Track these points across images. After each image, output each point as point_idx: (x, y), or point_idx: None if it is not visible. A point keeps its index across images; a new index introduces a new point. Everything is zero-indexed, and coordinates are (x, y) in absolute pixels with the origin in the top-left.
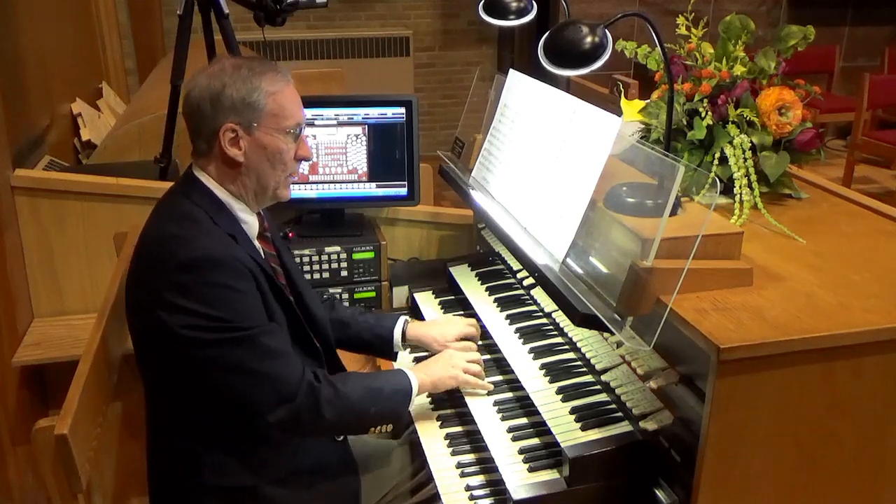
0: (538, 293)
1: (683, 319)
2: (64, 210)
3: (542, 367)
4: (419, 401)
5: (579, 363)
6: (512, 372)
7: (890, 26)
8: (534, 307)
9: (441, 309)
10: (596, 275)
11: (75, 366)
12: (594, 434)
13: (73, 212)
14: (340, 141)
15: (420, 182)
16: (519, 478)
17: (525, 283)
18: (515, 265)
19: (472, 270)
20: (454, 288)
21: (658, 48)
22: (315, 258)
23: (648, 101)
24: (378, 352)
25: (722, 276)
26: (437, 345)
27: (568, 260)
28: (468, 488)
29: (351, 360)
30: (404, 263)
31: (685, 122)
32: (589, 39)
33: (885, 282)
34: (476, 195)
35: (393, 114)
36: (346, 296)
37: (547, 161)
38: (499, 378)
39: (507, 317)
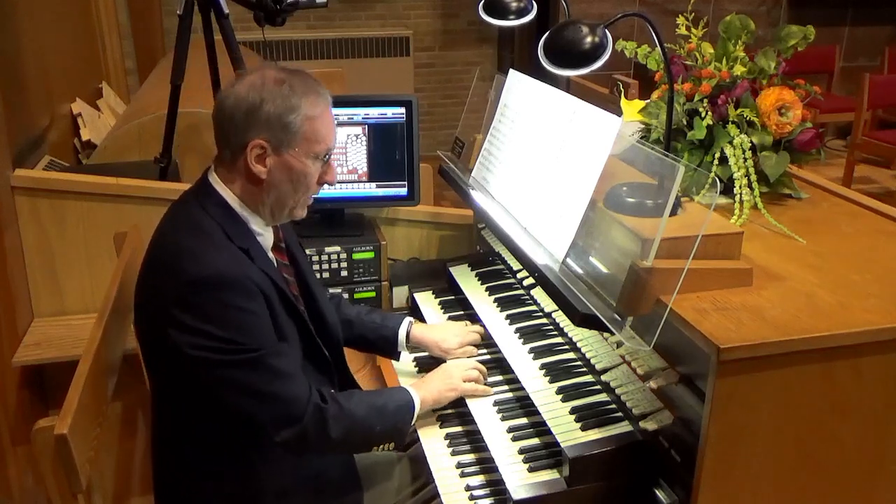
0: (538, 293)
1: (683, 319)
2: (64, 210)
3: (542, 367)
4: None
5: (579, 363)
6: (512, 372)
7: (890, 26)
8: (534, 307)
9: (441, 309)
10: (596, 275)
11: (75, 366)
12: (594, 434)
13: (73, 212)
14: (340, 141)
15: (420, 182)
16: (519, 478)
17: (525, 283)
18: (515, 265)
19: (472, 270)
20: (454, 288)
21: (658, 48)
22: (315, 258)
23: (648, 101)
24: (381, 352)
25: (722, 276)
26: (438, 350)
27: (568, 260)
28: (468, 488)
29: (351, 357)
30: (404, 263)
31: (685, 122)
32: (589, 39)
33: (885, 282)
34: (476, 195)
35: (393, 114)
36: (346, 296)
37: (547, 161)
38: (499, 378)
39: (507, 317)
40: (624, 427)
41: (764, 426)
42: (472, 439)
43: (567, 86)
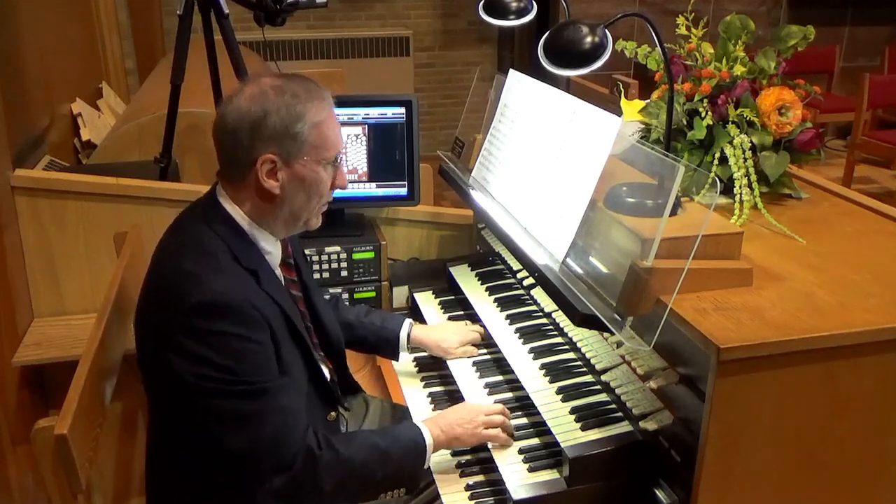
0: (538, 293)
1: (683, 319)
2: (64, 210)
3: (542, 367)
4: (420, 406)
5: (579, 363)
6: (512, 372)
7: (890, 26)
8: (534, 307)
9: (441, 309)
10: (596, 275)
11: (75, 366)
12: (594, 434)
13: (73, 212)
14: None
15: (420, 182)
16: (519, 478)
17: (525, 283)
18: (515, 265)
19: (472, 270)
20: (454, 288)
21: (658, 48)
22: (315, 258)
23: (648, 101)
24: (381, 353)
25: (722, 276)
26: (439, 350)
27: (568, 260)
28: (468, 488)
29: (351, 357)
30: (404, 263)
31: (685, 122)
32: (589, 39)
33: (885, 282)
34: (476, 195)
35: (393, 114)
36: (346, 296)
37: (547, 161)
38: (499, 378)
39: (507, 317)
40: (624, 427)
41: (764, 426)
42: None
43: (567, 86)
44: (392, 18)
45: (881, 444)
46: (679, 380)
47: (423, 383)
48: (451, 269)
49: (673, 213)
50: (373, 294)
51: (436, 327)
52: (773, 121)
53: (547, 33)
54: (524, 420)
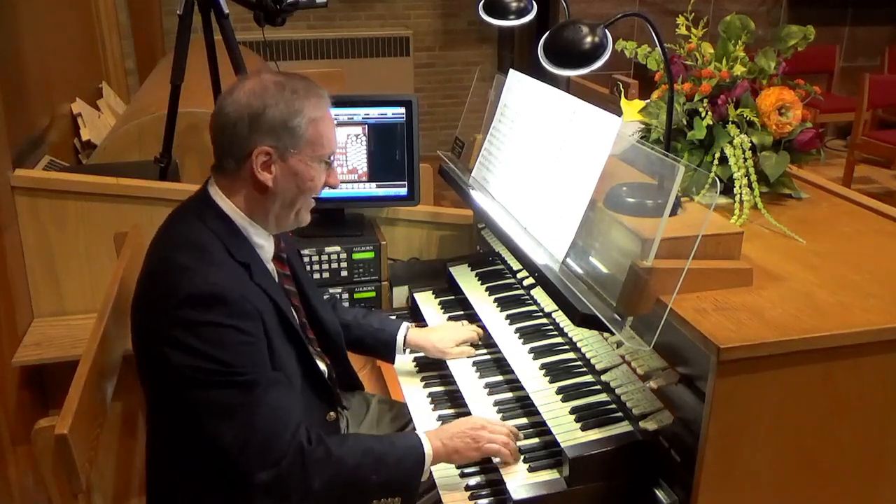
0: (538, 293)
1: (683, 319)
2: (64, 210)
3: (542, 367)
4: (420, 406)
5: (579, 363)
6: (512, 372)
7: (890, 26)
8: (534, 307)
9: (441, 309)
10: (596, 275)
11: (75, 366)
12: (594, 434)
13: (73, 212)
14: (340, 141)
15: (420, 182)
16: (519, 478)
17: (525, 283)
18: (515, 265)
19: (472, 270)
20: (454, 288)
21: (658, 48)
22: (315, 258)
23: (648, 101)
24: (378, 356)
25: (722, 276)
26: (436, 350)
27: (568, 260)
28: (468, 488)
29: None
30: (404, 263)
31: (685, 122)
32: (589, 39)
33: (885, 282)
34: (476, 195)
35: (393, 114)
36: (346, 296)
37: (547, 161)
38: (499, 378)
39: (507, 317)
40: (624, 427)
41: (764, 426)
42: None
43: (567, 86)
44: (392, 18)
45: (881, 444)
46: (679, 380)
47: (423, 383)
48: (451, 269)
49: (673, 213)
50: (373, 294)
51: (432, 329)
52: (773, 121)
53: (547, 33)
54: (524, 420)
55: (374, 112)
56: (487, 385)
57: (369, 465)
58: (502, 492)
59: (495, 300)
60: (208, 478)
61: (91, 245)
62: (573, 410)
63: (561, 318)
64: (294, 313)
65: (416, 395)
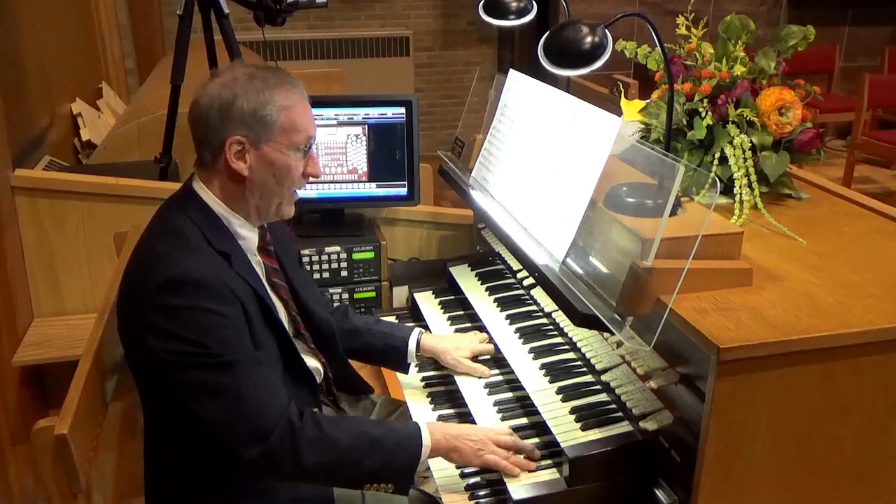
0: (538, 293)
1: (683, 319)
2: (64, 210)
3: (542, 367)
4: (420, 410)
5: (579, 363)
6: (512, 372)
7: (890, 26)
8: (534, 307)
9: (441, 309)
10: (596, 275)
11: (75, 366)
12: (594, 434)
13: (73, 212)
14: (340, 141)
15: (420, 182)
16: (519, 478)
17: (525, 283)
18: (515, 265)
19: (472, 270)
20: (454, 288)
21: (658, 48)
22: (315, 258)
23: (648, 101)
24: (390, 363)
25: (722, 276)
26: (449, 357)
27: (568, 260)
28: (468, 488)
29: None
30: (404, 263)
31: (685, 122)
32: (589, 39)
33: (884, 282)
34: (476, 195)
35: (393, 114)
36: (346, 296)
37: (547, 161)
38: (499, 378)
39: (508, 317)
40: (624, 427)
41: (764, 426)
42: None
43: (567, 86)
44: (392, 18)
45: (881, 444)
46: (679, 380)
47: (423, 383)
48: (451, 269)
49: (673, 213)
50: (373, 294)
51: (448, 336)
52: (773, 121)
53: (547, 33)
54: (524, 420)
55: (374, 112)
56: (487, 385)
57: (364, 447)
58: (502, 492)
59: (495, 300)
60: (202, 462)
61: (91, 245)
62: (573, 410)
63: (561, 318)
64: (281, 307)
65: (415, 395)
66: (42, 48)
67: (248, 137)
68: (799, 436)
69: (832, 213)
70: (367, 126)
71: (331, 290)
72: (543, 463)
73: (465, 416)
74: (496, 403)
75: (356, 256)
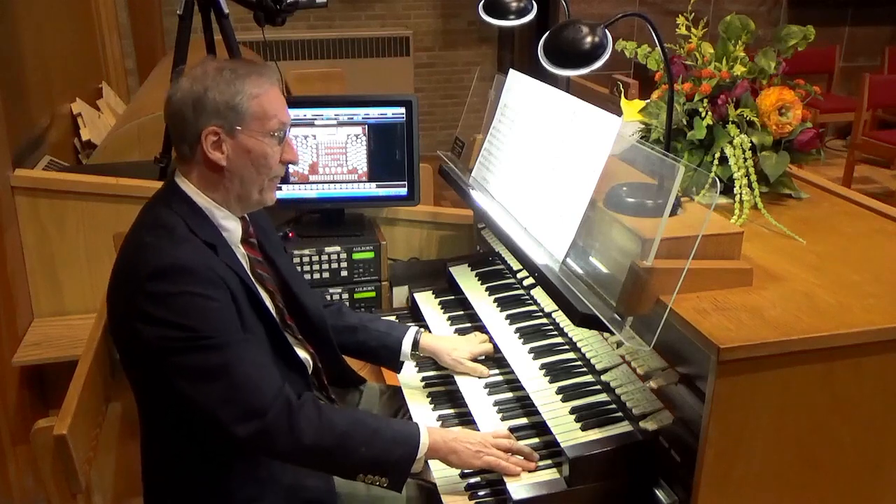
0: (538, 293)
1: (683, 319)
2: (64, 210)
3: (542, 367)
4: (420, 410)
5: (579, 363)
6: (512, 372)
7: (890, 26)
8: (534, 307)
9: (441, 309)
10: (596, 275)
11: (75, 366)
12: (594, 434)
13: (73, 212)
14: (340, 141)
15: (420, 182)
16: (519, 478)
17: (525, 283)
18: (515, 265)
19: (472, 270)
20: (454, 288)
21: (658, 48)
22: (315, 258)
23: (648, 101)
24: (383, 361)
25: (722, 276)
26: (449, 358)
27: (568, 260)
28: (468, 488)
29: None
30: (404, 263)
31: (685, 122)
32: (589, 39)
33: (885, 282)
34: (476, 195)
35: (393, 114)
36: (346, 296)
37: (547, 161)
38: (499, 378)
39: (507, 317)
40: (624, 427)
41: (764, 426)
42: None
43: (567, 86)
44: (392, 18)
45: (881, 444)
46: (679, 380)
47: (423, 383)
48: (451, 269)
49: (673, 213)
50: (373, 294)
51: (448, 336)
52: (773, 121)
53: (547, 33)
54: (524, 420)
55: (374, 112)
56: (487, 385)
57: (360, 435)
58: (502, 492)
59: (495, 300)
60: (199, 456)
61: (91, 245)
62: (573, 410)
63: (561, 318)
64: (267, 297)
65: (415, 395)
66: (42, 48)
67: (223, 127)
68: (799, 436)
69: (832, 213)
70: (367, 126)
71: (331, 290)
72: (543, 463)
73: (465, 416)
74: (496, 403)
75: (356, 256)
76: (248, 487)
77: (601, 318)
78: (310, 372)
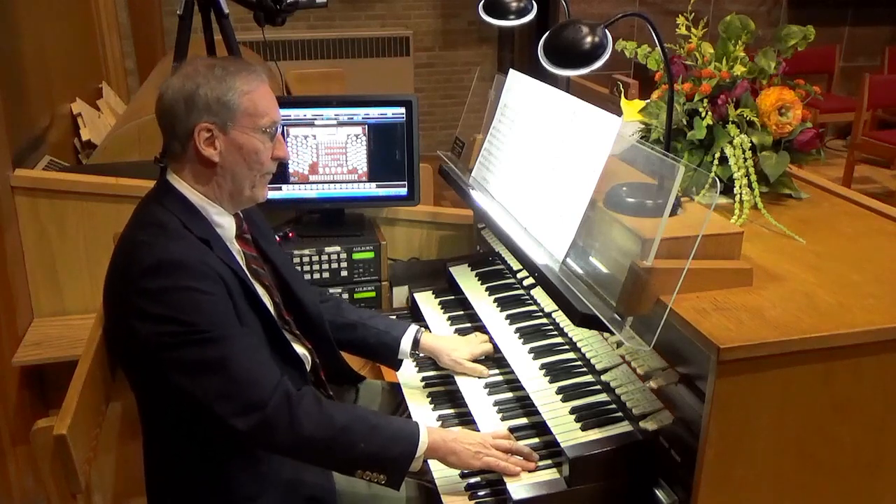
0: (538, 293)
1: (683, 319)
2: (64, 210)
3: (542, 367)
4: (420, 410)
5: (579, 363)
6: (512, 372)
7: (890, 26)
8: (534, 307)
9: (441, 309)
10: (596, 275)
11: (75, 366)
12: (594, 434)
13: (73, 212)
14: (340, 141)
15: (420, 182)
16: (519, 477)
17: (525, 283)
18: (515, 265)
19: (472, 270)
20: (454, 288)
21: (658, 48)
22: (315, 258)
23: (648, 101)
24: (382, 358)
25: (722, 276)
26: (447, 358)
27: (568, 260)
28: (468, 488)
29: (350, 359)
30: (404, 263)
31: (685, 122)
32: (589, 39)
33: (885, 282)
34: (476, 195)
35: (393, 114)
36: (346, 296)
37: (547, 161)
38: (499, 378)
39: (507, 317)
40: (624, 427)
41: (764, 426)
42: None
43: (567, 86)
44: (392, 18)
45: (881, 444)
46: (679, 380)
47: (423, 383)
48: (451, 269)
49: (673, 213)
50: (373, 294)
51: (448, 336)
52: (773, 121)
53: (547, 33)
54: (524, 420)
55: (374, 112)
56: (487, 385)
57: (359, 430)
58: (502, 492)
59: (495, 300)
60: (199, 455)
61: (91, 245)
62: (573, 410)
63: (561, 318)
64: (263, 292)
65: (415, 395)
66: (42, 48)
67: (216, 123)
68: (799, 436)
69: (832, 213)
70: (367, 126)
71: (331, 291)
72: (543, 463)
73: (465, 416)
74: (496, 403)
75: (356, 256)
76: (248, 485)
77: (601, 318)
78: (308, 368)
